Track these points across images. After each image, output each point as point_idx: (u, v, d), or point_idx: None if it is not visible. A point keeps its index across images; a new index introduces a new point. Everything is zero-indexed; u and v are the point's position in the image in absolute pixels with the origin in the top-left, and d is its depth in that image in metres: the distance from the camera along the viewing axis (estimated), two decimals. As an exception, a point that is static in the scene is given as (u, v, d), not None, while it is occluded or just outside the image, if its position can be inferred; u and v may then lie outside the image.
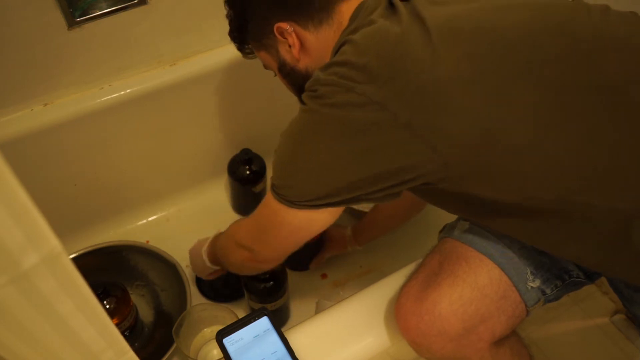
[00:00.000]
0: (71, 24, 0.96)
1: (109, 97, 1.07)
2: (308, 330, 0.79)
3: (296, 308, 1.13)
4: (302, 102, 0.66)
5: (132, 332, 1.04)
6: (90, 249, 1.11)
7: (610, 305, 1.17)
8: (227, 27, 0.81)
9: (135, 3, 1.00)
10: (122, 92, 1.07)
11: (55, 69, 1.01)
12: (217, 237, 0.96)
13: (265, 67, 0.86)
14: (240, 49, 0.86)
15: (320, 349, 0.77)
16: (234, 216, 1.30)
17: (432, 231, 0.89)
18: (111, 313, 0.98)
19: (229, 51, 1.15)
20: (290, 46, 0.76)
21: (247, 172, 1.20)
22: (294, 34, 0.74)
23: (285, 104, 1.33)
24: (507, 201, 0.64)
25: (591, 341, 1.14)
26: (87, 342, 0.42)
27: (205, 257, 0.99)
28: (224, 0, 0.81)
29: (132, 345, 0.98)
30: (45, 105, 1.04)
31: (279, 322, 1.09)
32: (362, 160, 0.61)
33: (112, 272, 1.11)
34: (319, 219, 0.71)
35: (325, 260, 1.19)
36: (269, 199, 0.71)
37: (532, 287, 0.73)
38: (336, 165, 0.63)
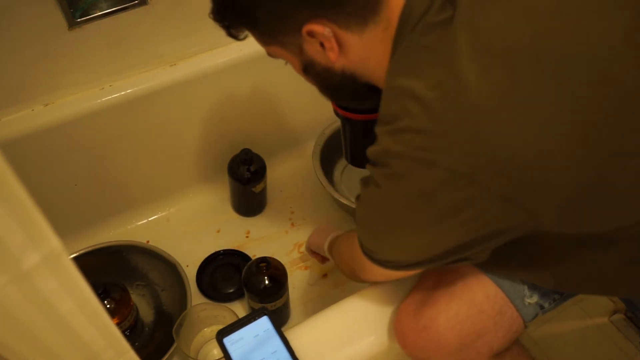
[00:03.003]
0: (71, 24, 0.96)
1: (110, 97, 1.07)
2: (308, 330, 0.79)
3: (296, 308, 1.13)
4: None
5: (132, 332, 1.05)
6: (90, 249, 1.11)
7: (610, 304, 1.17)
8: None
9: (135, 3, 1.00)
10: (122, 92, 1.07)
11: (56, 69, 1.01)
12: (335, 241, 0.96)
13: (271, 55, 0.71)
14: (227, 31, 0.69)
15: (320, 349, 0.77)
16: (234, 216, 1.30)
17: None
18: (111, 313, 0.98)
19: (229, 51, 1.15)
20: (323, 47, 0.62)
21: (247, 172, 1.19)
22: (333, 39, 0.60)
23: (286, 104, 1.33)
24: (601, 231, 0.58)
25: (590, 340, 1.14)
26: (87, 341, 0.42)
27: (326, 246, 1.00)
28: None
29: (132, 344, 0.98)
30: (46, 105, 1.04)
31: (279, 322, 1.09)
32: (454, 234, 0.57)
33: (112, 272, 1.11)
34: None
35: None
36: (359, 254, 0.68)
37: (529, 302, 0.73)
38: (426, 242, 0.60)
